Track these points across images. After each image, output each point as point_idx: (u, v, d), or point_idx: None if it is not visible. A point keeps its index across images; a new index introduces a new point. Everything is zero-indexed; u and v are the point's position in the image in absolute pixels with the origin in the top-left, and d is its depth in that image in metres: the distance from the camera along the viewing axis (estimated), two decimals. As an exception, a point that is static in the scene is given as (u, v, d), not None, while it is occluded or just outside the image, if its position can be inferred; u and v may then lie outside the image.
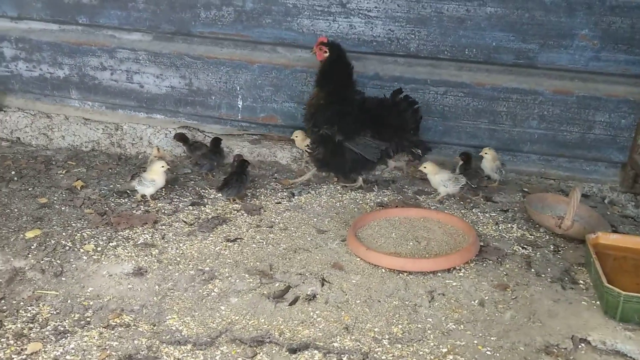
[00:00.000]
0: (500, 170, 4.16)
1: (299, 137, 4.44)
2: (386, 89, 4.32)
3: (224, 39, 4.51)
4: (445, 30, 4.13)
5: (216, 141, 4.37)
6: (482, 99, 4.25)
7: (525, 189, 4.23)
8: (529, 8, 3.96)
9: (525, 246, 3.54)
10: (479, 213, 3.91)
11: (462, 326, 2.87)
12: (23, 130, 4.87)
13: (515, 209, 3.98)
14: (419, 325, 2.87)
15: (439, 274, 3.23)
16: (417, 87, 4.29)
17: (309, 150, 4.19)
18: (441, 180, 3.98)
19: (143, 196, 3.94)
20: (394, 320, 2.89)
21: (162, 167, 3.92)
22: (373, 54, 4.31)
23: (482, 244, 3.51)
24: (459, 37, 4.13)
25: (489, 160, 4.16)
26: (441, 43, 4.16)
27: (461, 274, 3.26)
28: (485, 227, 3.75)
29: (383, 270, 3.26)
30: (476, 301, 3.04)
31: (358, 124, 3.96)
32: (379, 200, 4.07)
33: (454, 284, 3.17)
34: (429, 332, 2.83)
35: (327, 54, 3.97)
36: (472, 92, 4.25)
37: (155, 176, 3.89)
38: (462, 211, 3.92)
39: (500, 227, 3.75)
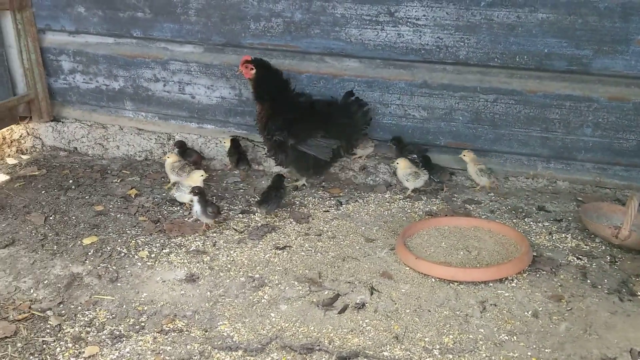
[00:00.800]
0: (484, 175, 4.16)
1: (170, 158, 4.30)
2: (435, 96, 4.31)
3: (272, 49, 4.57)
4: (495, 38, 4.08)
5: (235, 142, 4.58)
6: (533, 107, 4.18)
7: (580, 198, 4.12)
8: (583, 14, 3.88)
9: (580, 257, 3.45)
10: (531, 222, 3.83)
11: (515, 337, 2.81)
12: (80, 140, 5.05)
13: (570, 218, 3.88)
14: (471, 336, 2.82)
15: (491, 284, 3.18)
16: (467, 95, 4.25)
17: (272, 158, 4.36)
18: (403, 174, 4.16)
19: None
20: (445, 330, 2.86)
21: (202, 176, 4.02)
22: (421, 62, 4.29)
23: (535, 254, 3.43)
24: (510, 44, 4.07)
25: (468, 163, 4.21)
26: (491, 50, 4.11)
27: (513, 284, 3.20)
28: (538, 236, 3.67)
29: (433, 280, 3.23)
30: (529, 312, 2.98)
31: (308, 127, 4.13)
32: (427, 209, 4.04)
33: (506, 294, 3.11)
34: (480, 342, 2.78)
35: (253, 71, 4.12)
36: (523, 99, 4.18)
37: (193, 184, 3.95)
38: (514, 220, 3.85)
39: (554, 237, 3.66)
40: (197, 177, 4.01)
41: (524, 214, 3.94)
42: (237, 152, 4.54)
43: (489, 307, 3.02)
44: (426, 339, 2.80)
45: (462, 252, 3.43)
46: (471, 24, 4.09)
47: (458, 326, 2.88)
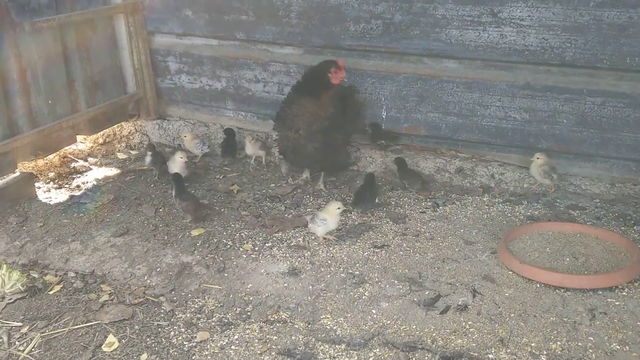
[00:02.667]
0: (550, 175, 4.10)
1: (187, 137, 4.85)
2: (537, 98, 4.21)
3: (371, 51, 4.61)
4: (604, 39, 3.93)
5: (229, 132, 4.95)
6: (644, 110, 4.00)
7: (694, 207, 3.91)
8: (702, 13, 3.68)
9: (696, 268, 3.27)
10: (641, 231, 3.68)
11: (627, 347, 2.72)
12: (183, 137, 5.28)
13: (683, 228, 3.70)
14: (579, 344, 2.75)
15: (600, 292, 3.08)
16: (572, 97, 4.12)
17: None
18: None
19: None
20: (552, 337, 2.79)
21: (338, 208, 3.64)
22: (524, 63, 4.20)
23: (646, 263, 3.29)
24: (620, 45, 3.91)
25: (536, 165, 4.14)
26: (600, 52, 3.97)
27: (624, 293, 3.08)
28: (649, 245, 3.52)
29: (538, 285, 3.16)
30: (642, 323, 2.87)
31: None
32: (529, 213, 3.95)
33: (617, 303, 3.00)
34: (590, 351, 2.70)
35: (339, 81, 4.12)
36: (633, 102, 4.00)
37: (327, 215, 3.64)
38: (622, 228, 3.70)
39: (666, 247, 3.49)
40: (333, 209, 3.64)
41: (632, 222, 3.78)
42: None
43: (598, 315, 2.92)
44: (532, 344, 2.75)
45: (568, 259, 3.33)
46: (579, 25, 3.96)
47: (566, 333, 2.81)
